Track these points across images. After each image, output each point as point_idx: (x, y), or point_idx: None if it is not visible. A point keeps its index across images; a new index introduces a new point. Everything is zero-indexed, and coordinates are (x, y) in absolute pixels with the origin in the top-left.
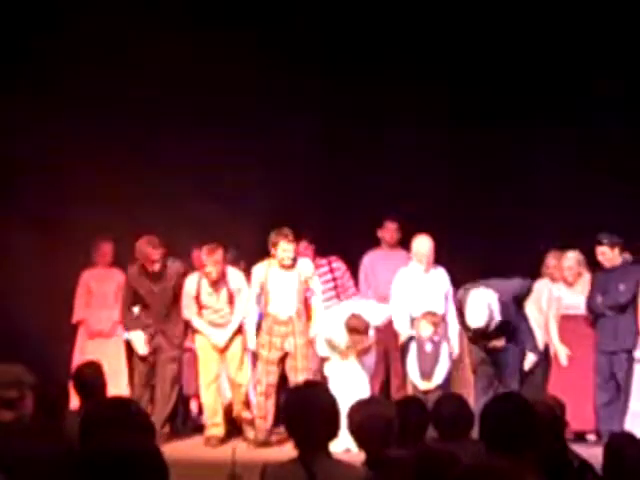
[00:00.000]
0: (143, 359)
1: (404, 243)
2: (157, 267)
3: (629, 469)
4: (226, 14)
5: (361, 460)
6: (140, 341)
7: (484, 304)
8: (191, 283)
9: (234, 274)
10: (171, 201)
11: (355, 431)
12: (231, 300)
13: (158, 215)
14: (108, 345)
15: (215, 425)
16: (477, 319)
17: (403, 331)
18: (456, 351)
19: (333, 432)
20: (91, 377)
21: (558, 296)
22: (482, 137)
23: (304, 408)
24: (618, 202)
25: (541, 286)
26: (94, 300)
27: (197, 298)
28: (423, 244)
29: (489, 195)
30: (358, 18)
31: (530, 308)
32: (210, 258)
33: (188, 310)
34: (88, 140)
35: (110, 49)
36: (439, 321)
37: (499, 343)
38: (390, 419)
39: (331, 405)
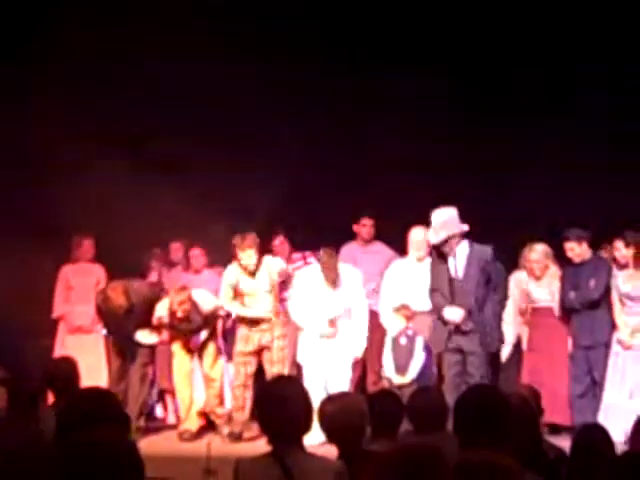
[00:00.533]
0: (120, 354)
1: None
2: None
3: (596, 460)
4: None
5: (336, 453)
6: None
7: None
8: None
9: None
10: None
11: (326, 425)
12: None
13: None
14: (87, 340)
15: (189, 419)
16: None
17: (390, 327)
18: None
19: (306, 426)
20: (64, 373)
21: (526, 288)
22: (469, 136)
23: (277, 403)
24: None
25: (518, 277)
26: (74, 295)
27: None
28: (419, 233)
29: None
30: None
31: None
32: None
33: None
34: (73, 134)
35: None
36: (412, 315)
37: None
38: (362, 413)
39: (304, 399)
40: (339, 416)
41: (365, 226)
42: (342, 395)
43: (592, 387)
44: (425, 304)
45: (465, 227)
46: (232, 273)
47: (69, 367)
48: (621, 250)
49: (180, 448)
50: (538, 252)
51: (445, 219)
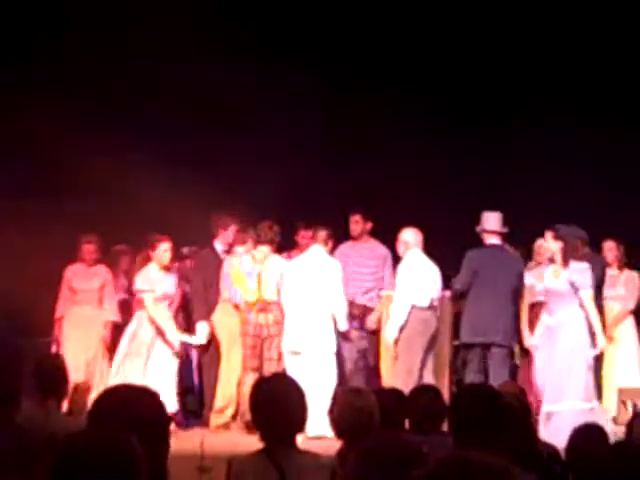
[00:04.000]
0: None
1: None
2: None
3: (591, 459)
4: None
5: (330, 448)
6: (204, 331)
7: None
8: None
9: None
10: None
11: (337, 421)
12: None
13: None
14: (89, 336)
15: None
16: None
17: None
18: None
19: (300, 425)
20: (51, 370)
21: (530, 284)
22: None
23: (272, 400)
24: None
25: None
26: (78, 297)
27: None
28: (415, 231)
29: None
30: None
31: None
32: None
33: None
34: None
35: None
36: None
37: None
38: (372, 409)
39: (299, 398)
40: (349, 412)
41: (355, 223)
42: (354, 391)
43: None
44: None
45: None
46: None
47: (56, 364)
48: (549, 242)
49: (173, 446)
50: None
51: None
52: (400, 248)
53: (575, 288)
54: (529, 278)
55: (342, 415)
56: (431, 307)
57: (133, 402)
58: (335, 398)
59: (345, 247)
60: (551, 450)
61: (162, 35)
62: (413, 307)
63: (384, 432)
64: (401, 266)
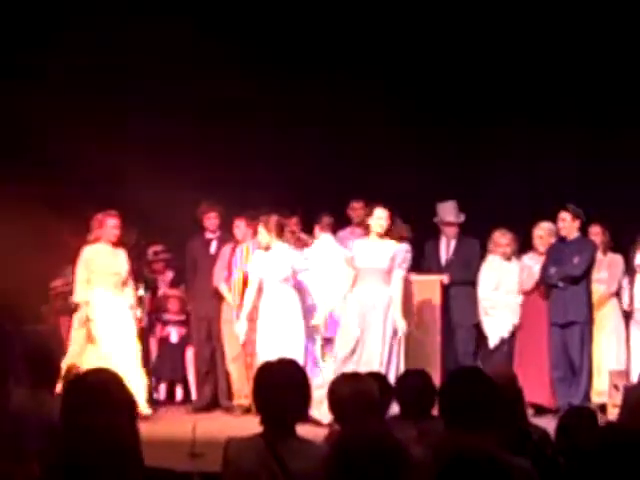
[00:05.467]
0: None
1: None
2: None
3: (582, 442)
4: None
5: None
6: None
7: None
8: None
9: None
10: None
11: (335, 406)
12: None
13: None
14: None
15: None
16: None
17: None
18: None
19: (302, 413)
20: (43, 357)
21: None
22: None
23: (275, 385)
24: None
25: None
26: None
27: None
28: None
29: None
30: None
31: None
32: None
33: None
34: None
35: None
36: None
37: None
38: (372, 395)
39: (303, 386)
40: (348, 397)
41: (354, 209)
42: (353, 376)
43: (571, 368)
44: None
45: None
46: None
47: (48, 340)
48: (566, 220)
49: (165, 432)
50: (543, 229)
51: None
52: None
53: None
54: (528, 261)
55: (339, 399)
56: None
57: (103, 386)
58: (334, 382)
59: (346, 233)
60: (541, 433)
61: (162, 34)
62: None
63: (365, 421)
64: None
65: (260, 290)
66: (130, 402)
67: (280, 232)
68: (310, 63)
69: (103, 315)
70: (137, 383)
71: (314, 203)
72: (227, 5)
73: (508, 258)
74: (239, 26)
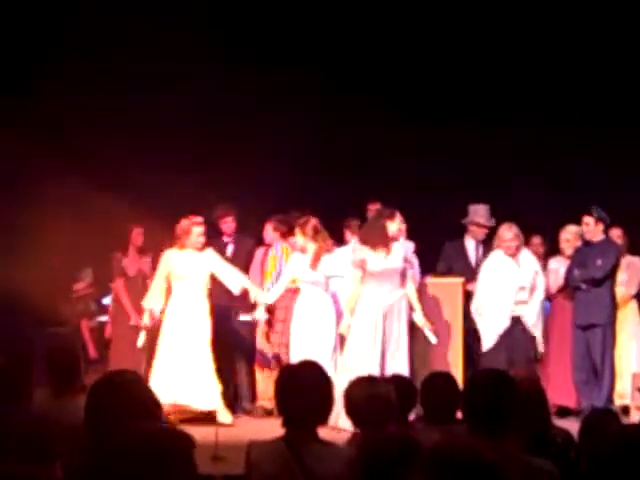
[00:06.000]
0: None
1: None
2: None
3: (606, 444)
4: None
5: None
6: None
7: None
8: None
9: None
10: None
11: (351, 410)
12: None
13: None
14: None
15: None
16: None
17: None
18: None
19: (324, 416)
20: (63, 362)
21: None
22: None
23: (298, 388)
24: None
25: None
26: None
27: None
28: None
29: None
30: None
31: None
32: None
33: None
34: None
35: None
36: None
37: None
38: (388, 398)
39: (326, 389)
40: (364, 401)
41: (371, 211)
42: (368, 380)
43: (594, 370)
44: None
45: None
46: None
47: (69, 343)
48: (590, 224)
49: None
50: (568, 232)
51: None
52: None
53: None
54: (554, 264)
55: (358, 404)
56: None
57: (129, 388)
58: (351, 387)
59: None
60: (565, 435)
61: (161, 35)
62: None
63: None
64: None
65: (295, 292)
66: (154, 404)
67: (316, 235)
68: (310, 63)
69: (175, 320)
70: (212, 390)
71: (314, 203)
72: (227, 5)
73: (512, 254)
74: (239, 26)
